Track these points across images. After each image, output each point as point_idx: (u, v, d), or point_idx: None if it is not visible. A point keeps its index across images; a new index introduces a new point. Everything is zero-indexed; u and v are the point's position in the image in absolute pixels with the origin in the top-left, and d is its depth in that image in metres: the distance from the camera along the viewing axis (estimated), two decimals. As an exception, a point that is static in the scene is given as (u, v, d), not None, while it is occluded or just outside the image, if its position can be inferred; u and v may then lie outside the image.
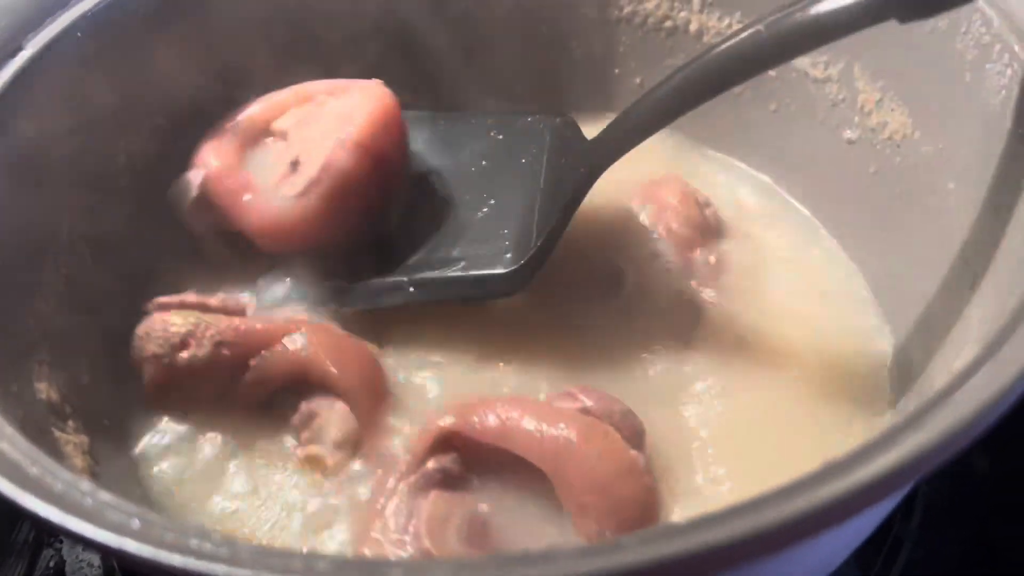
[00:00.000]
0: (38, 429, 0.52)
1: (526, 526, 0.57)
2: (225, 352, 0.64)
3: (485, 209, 0.72)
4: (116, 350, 0.66)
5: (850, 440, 0.63)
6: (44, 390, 0.58)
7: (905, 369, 0.67)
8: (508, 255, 0.67)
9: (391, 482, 0.58)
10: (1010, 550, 0.71)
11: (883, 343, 0.71)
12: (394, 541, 0.54)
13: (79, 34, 0.68)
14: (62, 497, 0.38)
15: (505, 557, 0.38)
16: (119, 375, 0.66)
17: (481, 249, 0.69)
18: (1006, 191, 0.55)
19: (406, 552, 0.53)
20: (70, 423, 0.59)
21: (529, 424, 0.56)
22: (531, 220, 0.69)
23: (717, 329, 0.71)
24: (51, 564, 0.74)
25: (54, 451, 0.52)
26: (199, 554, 0.34)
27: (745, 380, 0.68)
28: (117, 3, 0.72)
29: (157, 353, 0.63)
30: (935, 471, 0.39)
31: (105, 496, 0.39)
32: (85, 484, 0.39)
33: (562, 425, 0.56)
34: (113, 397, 0.66)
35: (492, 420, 0.57)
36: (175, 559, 0.34)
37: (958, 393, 0.40)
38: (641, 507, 0.57)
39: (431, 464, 0.57)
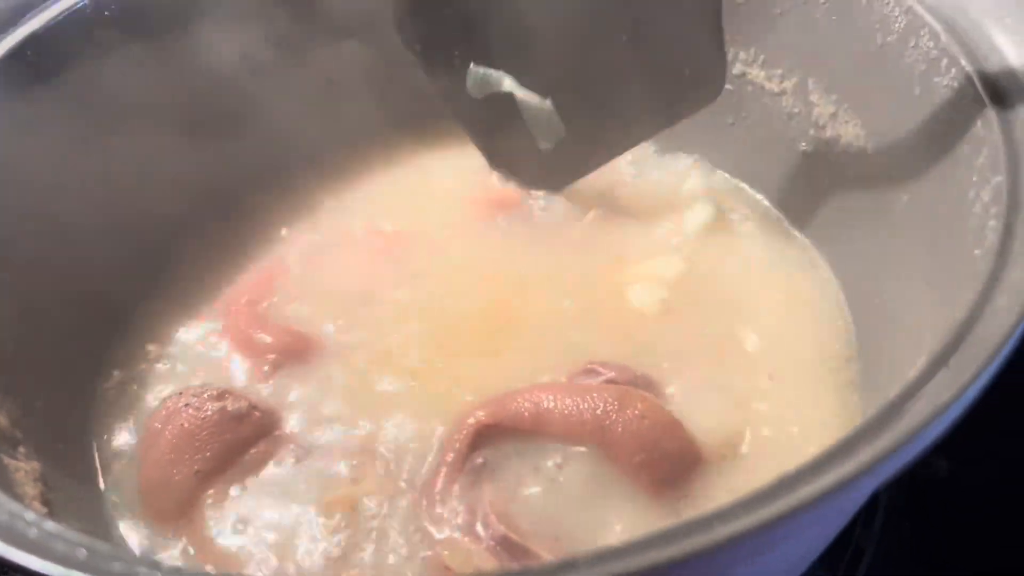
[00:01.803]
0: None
1: (576, 499, 0.59)
2: (256, 415, 0.64)
3: None
4: (70, 375, 0.66)
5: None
6: (-5, 417, 0.57)
7: (869, 370, 0.68)
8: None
9: (440, 484, 0.59)
10: (970, 553, 0.72)
11: (853, 347, 0.71)
12: (471, 536, 0.56)
13: (28, 53, 0.67)
14: (7, 528, 0.37)
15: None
16: (73, 401, 0.65)
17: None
18: (954, 204, 0.56)
19: (486, 544, 0.55)
20: (20, 449, 0.57)
21: (566, 403, 0.60)
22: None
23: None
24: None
25: (3, 479, 0.51)
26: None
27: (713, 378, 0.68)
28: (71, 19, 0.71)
29: (188, 403, 0.63)
30: (890, 480, 0.40)
31: (50, 526, 0.38)
32: (30, 514, 0.38)
33: (597, 397, 0.60)
34: (68, 422, 0.65)
35: (527, 406, 0.60)
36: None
37: (909, 404, 0.40)
38: (687, 454, 0.61)
39: (478, 458, 0.60)
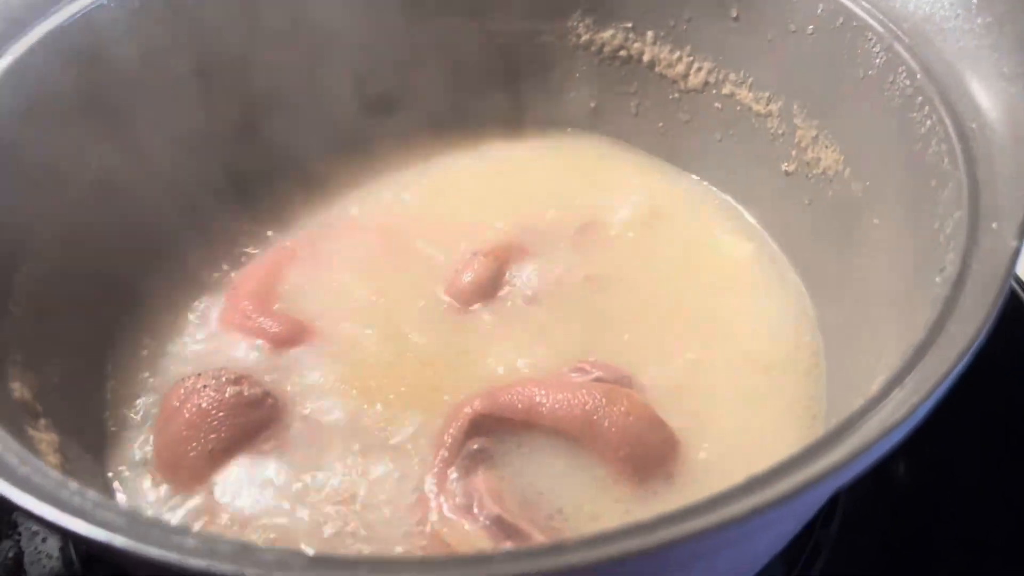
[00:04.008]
0: (15, 428, 0.54)
1: (563, 483, 0.65)
2: (269, 401, 0.68)
3: None
4: (85, 352, 0.69)
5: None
6: (18, 389, 0.60)
7: (836, 384, 0.72)
8: None
9: (436, 469, 0.63)
10: (924, 555, 0.77)
11: (820, 358, 0.76)
12: (467, 518, 0.60)
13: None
14: (53, 496, 0.41)
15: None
16: (88, 376, 0.69)
17: None
18: (920, 232, 0.61)
19: (481, 523, 0.60)
20: (42, 422, 0.61)
21: (557, 397, 0.65)
22: None
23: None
24: (10, 555, 0.75)
25: (31, 449, 0.54)
26: (187, 550, 0.37)
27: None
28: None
29: (207, 384, 0.66)
30: (848, 486, 0.44)
31: (91, 494, 0.42)
32: (73, 484, 0.42)
33: (586, 393, 0.65)
34: (82, 397, 0.68)
35: (521, 399, 0.65)
36: (170, 556, 0.38)
37: (866, 418, 0.45)
38: (669, 449, 0.66)
39: (473, 445, 0.64)
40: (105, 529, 0.39)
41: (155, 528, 0.40)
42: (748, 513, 0.41)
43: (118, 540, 0.39)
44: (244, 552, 0.38)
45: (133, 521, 0.40)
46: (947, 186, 0.59)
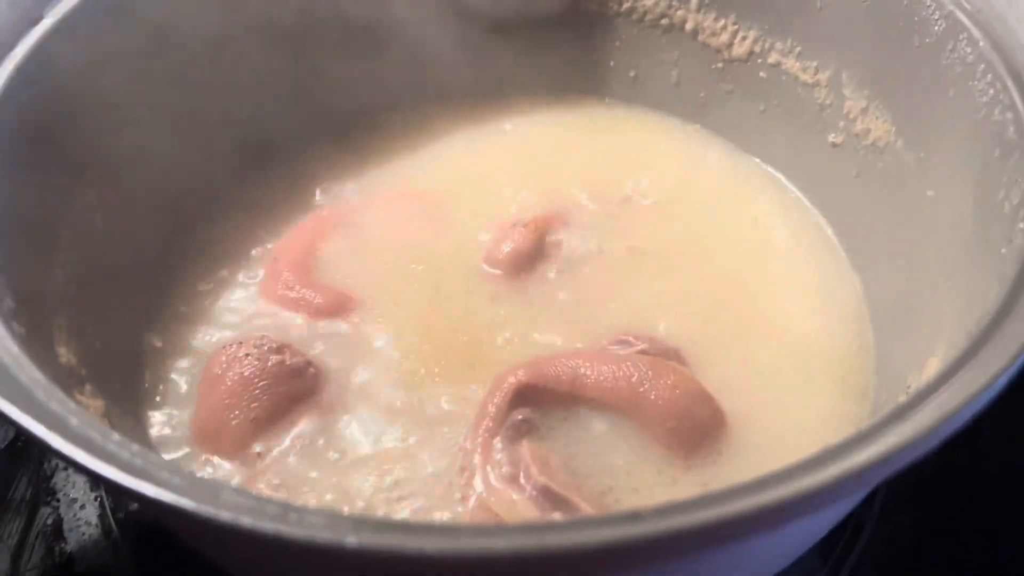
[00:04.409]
0: (64, 392, 0.54)
1: (607, 455, 0.64)
2: (311, 371, 0.67)
3: None
4: (127, 318, 0.69)
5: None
6: (64, 354, 0.60)
7: (885, 360, 0.71)
8: None
9: (481, 439, 0.62)
10: (966, 536, 0.76)
11: (868, 334, 0.74)
12: (513, 488, 0.59)
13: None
14: (115, 457, 0.41)
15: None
16: (130, 343, 0.68)
17: None
18: (982, 204, 0.59)
19: (528, 494, 0.59)
20: (87, 387, 0.60)
21: (602, 369, 0.64)
22: None
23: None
24: (49, 522, 0.75)
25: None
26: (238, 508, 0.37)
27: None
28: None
29: (249, 353, 0.65)
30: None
31: (153, 456, 0.41)
32: (134, 446, 0.42)
33: (631, 366, 0.64)
34: (123, 364, 0.68)
35: (565, 370, 0.64)
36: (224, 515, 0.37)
37: (927, 402, 0.43)
38: (715, 423, 0.65)
39: (517, 415, 0.63)
40: (170, 491, 0.38)
41: (221, 491, 0.39)
42: (812, 491, 0.39)
43: (184, 502, 0.38)
44: (292, 513, 0.37)
45: (196, 484, 0.39)
46: (1012, 155, 0.58)
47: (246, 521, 0.36)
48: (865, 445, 0.40)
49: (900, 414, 0.42)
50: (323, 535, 0.35)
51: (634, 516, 0.38)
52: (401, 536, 0.36)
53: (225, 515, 0.36)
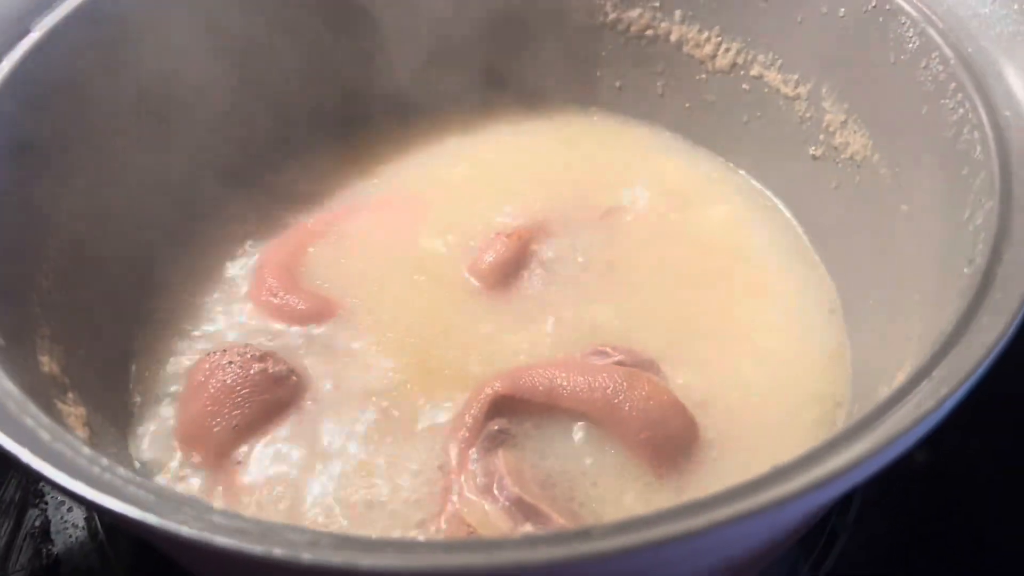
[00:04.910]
0: (45, 401, 0.55)
1: (582, 466, 0.65)
2: (294, 379, 0.68)
3: None
4: (111, 326, 0.70)
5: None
6: (47, 363, 0.61)
7: (859, 371, 0.72)
8: None
9: (457, 449, 0.64)
10: (942, 543, 0.76)
11: (844, 345, 0.75)
12: (487, 498, 0.61)
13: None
14: (85, 473, 0.42)
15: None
16: (114, 350, 0.69)
17: None
18: (949, 221, 0.60)
19: (501, 504, 0.60)
20: (69, 395, 0.61)
21: (578, 380, 0.65)
22: None
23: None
24: (36, 523, 0.77)
25: (60, 423, 0.55)
26: (216, 528, 0.38)
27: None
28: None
29: (233, 360, 0.67)
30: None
31: (121, 471, 0.43)
32: (103, 460, 0.43)
33: (607, 377, 0.64)
34: (107, 371, 0.69)
35: (542, 381, 0.65)
36: (183, 530, 0.38)
37: (892, 410, 0.45)
38: (689, 434, 0.66)
39: (494, 426, 0.64)
40: (136, 507, 0.40)
41: (184, 506, 0.40)
42: (775, 503, 0.41)
43: (149, 518, 0.39)
44: (272, 532, 0.39)
45: (163, 499, 0.41)
46: (979, 175, 0.59)
47: (207, 537, 0.37)
48: (810, 467, 0.41)
49: (848, 437, 0.43)
50: (278, 551, 0.36)
51: (584, 534, 0.39)
52: (356, 553, 0.37)
53: (187, 531, 0.37)
